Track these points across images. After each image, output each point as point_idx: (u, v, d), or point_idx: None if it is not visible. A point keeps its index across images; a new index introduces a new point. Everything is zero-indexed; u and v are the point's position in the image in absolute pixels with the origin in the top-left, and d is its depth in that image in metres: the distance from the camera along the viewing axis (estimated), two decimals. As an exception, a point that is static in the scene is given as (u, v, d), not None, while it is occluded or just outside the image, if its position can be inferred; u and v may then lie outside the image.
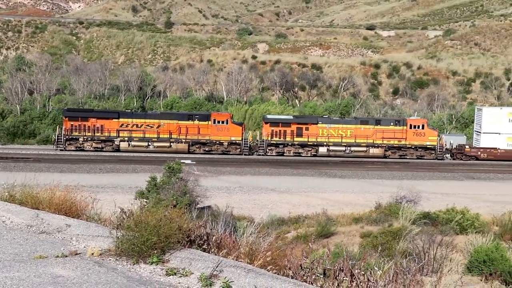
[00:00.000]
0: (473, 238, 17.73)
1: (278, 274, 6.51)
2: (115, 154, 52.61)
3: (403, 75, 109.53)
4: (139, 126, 54.50)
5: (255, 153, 55.82)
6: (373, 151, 55.69)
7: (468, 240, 17.86)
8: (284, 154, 55.32)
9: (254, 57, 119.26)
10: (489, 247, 14.80)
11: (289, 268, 6.73)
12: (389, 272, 6.41)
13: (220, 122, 54.59)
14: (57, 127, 55.86)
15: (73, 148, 53.86)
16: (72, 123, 54.16)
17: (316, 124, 55.95)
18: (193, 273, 6.40)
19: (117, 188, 35.67)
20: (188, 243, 7.27)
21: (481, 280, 13.52)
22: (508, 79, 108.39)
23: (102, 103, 69.82)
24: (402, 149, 55.89)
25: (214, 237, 7.48)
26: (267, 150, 55.06)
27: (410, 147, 55.84)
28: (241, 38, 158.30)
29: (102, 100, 72.61)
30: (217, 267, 6.30)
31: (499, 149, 55.55)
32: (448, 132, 64.05)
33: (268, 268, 6.66)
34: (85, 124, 54.16)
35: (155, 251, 6.78)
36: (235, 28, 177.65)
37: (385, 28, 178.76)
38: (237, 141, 54.78)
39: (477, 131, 57.56)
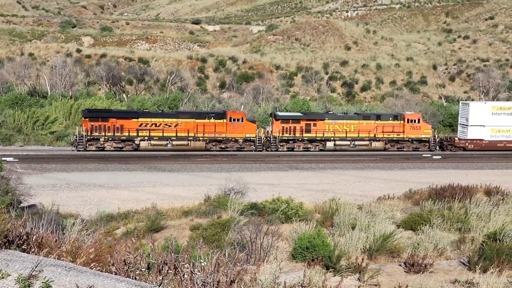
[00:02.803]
0: (297, 226, 18.37)
1: (101, 271, 6.36)
2: None
3: (229, 69, 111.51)
4: (157, 125, 54.98)
5: (268, 149, 57.38)
6: (374, 144, 59.33)
7: (293, 228, 18.49)
8: (294, 149, 57.80)
9: (78, 51, 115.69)
10: (311, 234, 15.42)
11: (113, 264, 6.61)
12: (212, 263, 6.51)
13: (236, 120, 56.28)
14: (76, 127, 55.62)
15: (94, 148, 53.74)
16: (92, 123, 53.82)
17: (323, 120, 58.80)
18: (10, 275, 6.08)
19: None
20: (6, 244, 6.90)
21: (304, 266, 14.07)
22: (327, 73, 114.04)
23: None
24: (400, 142, 59.60)
25: (34, 237, 7.16)
26: (279, 146, 57.04)
27: (407, 140, 59.84)
28: (64, 31, 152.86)
29: None
30: (36, 267, 6.03)
31: (484, 140, 60.39)
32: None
33: (92, 265, 6.50)
34: (105, 124, 54.02)
35: (-32, 255, 6.36)
36: (57, 20, 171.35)
37: (210, 23, 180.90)
38: (252, 138, 56.60)
39: (463, 124, 61.70)
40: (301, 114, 61.35)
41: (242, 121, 56.46)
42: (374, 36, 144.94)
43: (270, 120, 60.43)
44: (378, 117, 60.68)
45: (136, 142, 54.65)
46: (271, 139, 57.61)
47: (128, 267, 6.59)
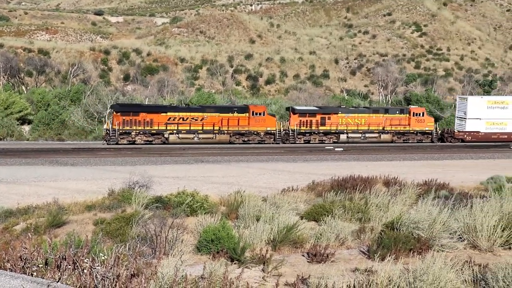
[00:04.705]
0: (202, 219, 18.34)
1: (-5, 268, 6.15)
2: None
3: (133, 61, 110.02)
4: (185, 119, 57.09)
5: (286, 141, 60.15)
6: (383, 136, 62.75)
7: (198, 221, 18.43)
8: (310, 142, 60.55)
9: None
10: (216, 227, 15.46)
11: (8, 261, 6.42)
12: (112, 257, 6.44)
13: (258, 114, 58.79)
14: (107, 121, 57.34)
15: (125, 142, 55.24)
16: (124, 117, 55.34)
17: (337, 114, 61.95)
18: None
19: None
20: None
21: (209, 258, 14.13)
22: (231, 66, 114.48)
23: None
24: (405, 134, 63.28)
25: None
26: (297, 139, 60.19)
27: (412, 132, 63.53)
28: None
29: None
30: None
31: (480, 132, 64.43)
32: None
33: (-15, 262, 6.28)
34: (136, 118, 55.73)
35: None
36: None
37: (113, 14, 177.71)
38: (272, 131, 59.29)
39: (461, 117, 65.38)
40: (317, 108, 64.03)
41: (263, 115, 59.13)
42: (278, 30, 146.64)
43: (288, 114, 63.25)
44: (386, 110, 64.31)
45: (165, 135, 56.61)
46: (290, 131, 60.33)
47: (25, 263, 6.42)
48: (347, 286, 10.81)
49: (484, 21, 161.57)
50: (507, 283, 10.66)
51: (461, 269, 11.49)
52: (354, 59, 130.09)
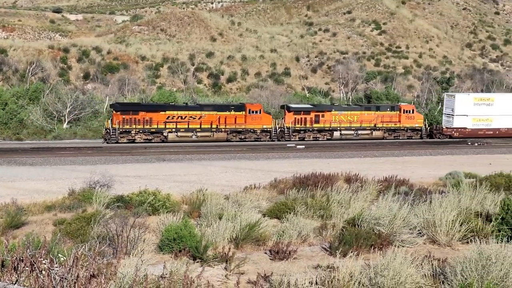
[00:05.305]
0: (165, 218, 18.29)
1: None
2: None
3: (93, 59, 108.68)
4: (183, 117, 57.61)
5: (281, 139, 60.90)
6: (375, 133, 63.90)
7: (160, 220, 18.38)
8: (305, 139, 61.21)
9: None
10: (178, 225, 15.42)
11: (-37, 263, 6.29)
12: (71, 257, 6.37)
13: (254, 112, 59.57)
14: (106, 120, 57.69)
15: (125, 141, 55.64)
16: (124, 116, 55.79)
17: (330, 111, 62.98)
18: None
19: None
20: None
21: (171, 257, 14.08)
22: (193, 64, 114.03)
23: None
24: (396, 131, 64.66)
25: None
26: (292, 136, 61.08)
27: (403, 129, 64.84)
28: None
29: None
30: None
31: (467, 128, 65.78)
32: None
33: None
34: (136, 117, 56.20)
35: None
36: None
37: (72, 12, 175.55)
38: (268, 129, 60.34)
39: (448, 114, 66.76)
40: (311, 106, 65.17)
41: (259, 113, 59.95)
42: (239, 28, 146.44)
43: (283, 112, 63.97)
44: (378, 108, 65.36)
45: (164, 134, 57.12)
46: (285, 129, 61.13)
47: (-22, 266, 6.29)
48: (309, 282, 10.87)
49: (442, 19, 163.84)
50: (465, 276, 10.85)
51: (421, 264, 11.66)
52: (315, 57, 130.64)
